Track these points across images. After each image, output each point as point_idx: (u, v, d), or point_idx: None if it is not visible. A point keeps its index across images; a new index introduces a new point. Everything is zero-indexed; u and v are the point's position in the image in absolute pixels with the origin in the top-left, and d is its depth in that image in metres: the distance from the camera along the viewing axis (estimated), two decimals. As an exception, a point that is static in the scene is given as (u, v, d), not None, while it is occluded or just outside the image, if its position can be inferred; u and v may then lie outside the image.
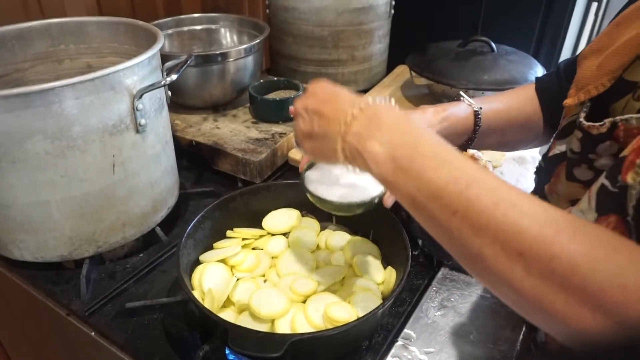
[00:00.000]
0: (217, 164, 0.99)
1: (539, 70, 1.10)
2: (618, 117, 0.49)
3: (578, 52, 1.95)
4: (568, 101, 0.57)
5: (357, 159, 0.46)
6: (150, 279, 0.77)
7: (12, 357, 1.13)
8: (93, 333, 0.69)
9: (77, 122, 0.65)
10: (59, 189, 0.68)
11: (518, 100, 0.75)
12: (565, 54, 1.72)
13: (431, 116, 0.70)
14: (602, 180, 0.46)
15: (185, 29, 1.15)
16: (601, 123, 0.50)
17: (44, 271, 0.77)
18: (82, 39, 0.88)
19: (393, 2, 1.26)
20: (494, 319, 0.68)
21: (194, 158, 1.02)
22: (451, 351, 0.64)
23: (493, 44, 1.12)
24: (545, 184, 0.61)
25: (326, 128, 0.49)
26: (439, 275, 0.76)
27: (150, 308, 0.70)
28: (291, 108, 0.58)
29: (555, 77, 0.71)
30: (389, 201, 0.69)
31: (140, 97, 0.70)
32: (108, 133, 0.69)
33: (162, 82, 0.71)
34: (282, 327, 0.59)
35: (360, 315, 0.59)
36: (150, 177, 0.78)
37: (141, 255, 0.81)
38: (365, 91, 1.29)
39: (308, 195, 0.63)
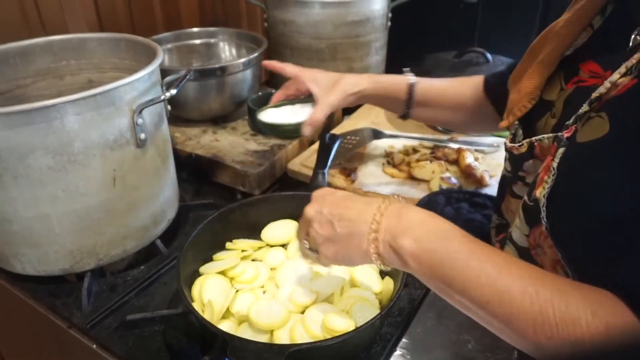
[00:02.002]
0: (216, 176, 1.00)
1: (534, 80, 1.11)
2: (533, 138, 0.54)
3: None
4: (502, 124, 0.62)
5: (391, 255, 0.48)
6: (151, 291, 0.77)
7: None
8: (94, 346, 0.70)
9: (78, 137, 0.66)
10: (60, 203, 0.69)
11: (459, 84, 0.86)
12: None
13: (365, 77, 0.85)
14: (525, 197, 0.51)
15: (185, 43, 1.17)
16: (520, 144, 0.55)
17: (45, 284, 0.78)
18: (83, 55, 0.90)
19: (390, 15, 1.28)
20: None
21: (193, 170, 1.03)
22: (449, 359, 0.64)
23: (488, 55, 1.14)
24: (501, 202, 0.65)
25: (352, 229, 0.50)
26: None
27: (151, 320, 0.70)
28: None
29: (505, 76, 0.72)
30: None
31: (140, 112, 0.71)
32: (109, 148, 0.70)
33: (162, 97, 0.72)
34: (281, 338, 0.60)
35: (359, 325, 0.59)
36: (150, 190, 0.79)
37: (142, 267, 0.82)
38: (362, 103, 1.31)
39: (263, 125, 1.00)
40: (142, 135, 0.73)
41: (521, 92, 0.58)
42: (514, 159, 0.58)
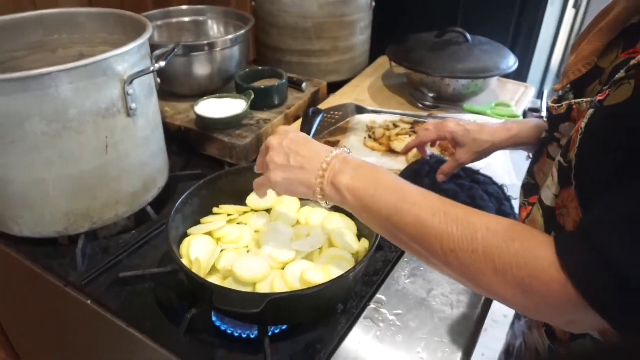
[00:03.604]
0: (204, 149, 1.04)
1: (511, 60, 1.16)
2: (572, 100, 0.55)
3: (557, 43, 2.00)
4: (556, 87, 0.63)
5: (332, 191, 0.57)
6: (142, 252, 0.82)
7: (9, 333, 1.18)
8: (89, 301, 0.74)
9: (72, 105, 0.70)
10: (55, 167, 0.73)
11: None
12: (543, 45, 1.79)
13: (501, 131, 0.79)
14: (558, 157, 0.53)
15: (174, 20, 1.20)
16: (559, 105, 0.57)
17: (41, 247, 0.82)
18: (74, 29, 0.93)
19: (374, -5, 1.32)
20: (458, 286, 0.75)
21: (182, 143, 1.07)
22: (417, 312, 0.70)
23: (468, 35, 1.18)
24: (535, 164, 0.67)
25: (304, 164, 0.58)
26: (411, 247, 0.82)
27: (142, 278, 0.75)
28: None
29: None
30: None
31: (131, 82, 0.75)
32: (101, 116, 0.74)
33: (151, 68, 0.76)
34: (262, 290, 0.65)
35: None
36: (140, 158, 0.83)
37: (133, 232, 0.86)
38: (347, 80, 1.35)
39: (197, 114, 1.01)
40: (133, 105, 0.77)
41: (578, 56, 0.59)
42: (551, 119, 0.60)
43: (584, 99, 0.54)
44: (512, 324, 0.79)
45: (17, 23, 0.87)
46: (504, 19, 1.49)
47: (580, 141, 0.46)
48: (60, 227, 0.79)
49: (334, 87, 1.30)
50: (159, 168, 0.90)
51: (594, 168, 0.45)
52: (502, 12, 1.49)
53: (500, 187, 0.86)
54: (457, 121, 0.82)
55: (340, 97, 1.24)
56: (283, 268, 0.69)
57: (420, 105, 1.19)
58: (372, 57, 1.46)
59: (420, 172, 0.87)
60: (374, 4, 1.34)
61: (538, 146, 0.67)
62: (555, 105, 0.58)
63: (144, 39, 0.78)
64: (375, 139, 1.04)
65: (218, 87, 1.15)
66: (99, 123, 0.74)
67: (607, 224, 0.40)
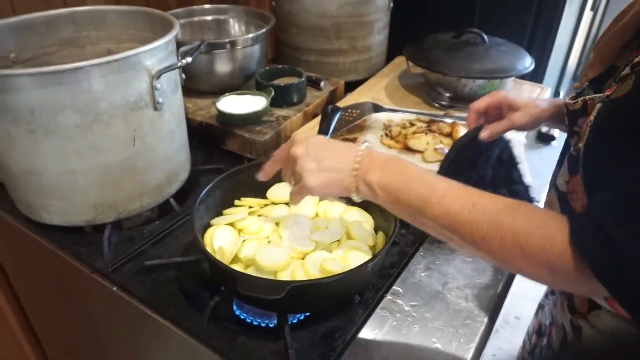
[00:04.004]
0: (225, 144, 1.07)
1: (528, 61, 1.17)
2: (587, 97, 0.59)
3: (574, 45, 2.00)
4: (576, 85, 0.66)
5: (364, 188, 0.60)
6: (166, 243, 0.85)
7: (33, 320, 1.22)
8: (115, 288, 0.77)
9: (103, 98, 0.73)
10: (86, 158, 0.76)
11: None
12: (560, 47, 1.79)
13: (549, 101, 0.77)
14: (571, 148, 0.57)
15: (196, 19, 1.23)
16: (575, 101, 0.62)
17: (69, 235, 0.85)
18: (102, 26, 0.96)
19: (392, -4, 1.34)
20: (473, 279, 0.76)
21: (204, 139, 1.10)
22: (433, 304, 0.72)
23: (485, 36, 1.19)
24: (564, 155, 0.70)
25: (337, 165, 0.61)
26: (426, 242, 0.84)
27: (167, 266, 0.78)
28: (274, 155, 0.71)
29: None
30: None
31: (159, 77, 0.78)
32: (130, 109, 0.77)
33: (178, 64, 0.79)
34: (284, 278, 0.67)
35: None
36: (165, 151, 0.86)
37: (157, 222, 0.89)
38: (364, 80, 1.37)
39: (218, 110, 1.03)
40: (160, 99, 0.80)
41: (597, 56, 0.62)
42: (570, 114, 0.64)
43: (597, 95, 0.57)
44: (543, 305, 0.81)
45: (50, 20, 0.91)
46: (520, 20, 1.50)
47: (589, 132, 0.50)
48: (89, 217, 0.82)
49: (351, 86, 1.32)
50: (182, 162, 0.93)
51: (597, 156, 0.49)
52: (519, 13, 1.50)
53: (526, 188, 0.84)
54: None
55: (357, 96, 1.26)
56: (303, 258, 0.71)
57: (436, 105, 1.20)
58: (389, 58, 1.48)
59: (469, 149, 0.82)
60: (392, 4, 1.36)
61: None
62: (572, 101, 0.62)
63: (171, 35, 0.81)
64: (392, 137, 1.06)
65: (239, 84, 1.18)
66: (128, 116, 0.77)
67: (607, 207, 0.44)
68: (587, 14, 2.16)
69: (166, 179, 0.88)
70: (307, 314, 0.71)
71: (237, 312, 0.73)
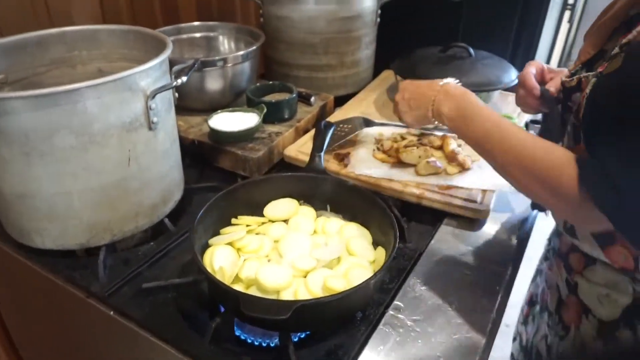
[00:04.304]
0: (218, 162, 1.06)
1: (513, 74, 1.20)
2: (581, 74, 0.67)
3: (552, 56, 2.06)
4: (571, 67, 0.74)
5: (438, 118, 0.81)
6: (162, 264, 0.84)
7: (22, 349, 1.18)
8: (112, 312, 0.76)
9: (98, 119, 0.72)
10: (81, 180, 0.75)
11: None
12: (540, 58, 1.83)
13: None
14: (572, 119, 0.67)
15: (185, 36, 1.23)
16: (571, 79, 0.69)
17: (62, 259, 0.84)
18: (94, 45, 0.95)
19: (379, 11, 1.36)
20: (473, 291, 0.77)
21: (195, 157, 1.09)
22: (435, 318, 0.72)
23: (471, 50, 1.22)
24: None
25: (419, 105, 0.85)
26: (424, 255, 0.84)
27: (164, 288, 0.77)
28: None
29: None
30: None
31: (154, 97, 0.78)
32: (125, 129, 0.76)
33: (174, 84, 0.79)
34: (287, 298, 0.67)
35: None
36: (160, 171, 0.85)
37: (151, 243, 0.88)
38: (353, 94, 1.38)
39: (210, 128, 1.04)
40: (155, 119, 0.80)
41: (588, 42, 0.71)
42: (565, 91, 0.71)
43: (590, 73, 0.64)
44: (534, 278, 0.96)
45: (41, 40, 0.90)
46: (504, 33, 1.54)
47: (586, 104, 0.59)
48: (83, 240, 0.81)
49: (340, 101, 1.33)
50: (177, 181, 0.92)
51: (595, 120, 0.58)
52: (502, 26, 1.53)
53: None
54: None
55: (347, 110, 1.27)
56: (305, 276, 0.71)
57: (426, 118, 1.22)
58: (376, 72, 1.50)
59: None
60: (378, 20, 1.38)
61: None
62: (568, 79, 0.70)
63: (166, 55, 0.81)
64: (384, 151, 1.07)
65: (229, 101, 1.18)
66: (123, 137, 0.76)
67: (608, 154, 0.56)
68: (564, 26, 2.23)
69: (161, 198, 0.87)
70: (308, 332, 0.71)
71: (238, 333, 0.73)
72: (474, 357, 0.67)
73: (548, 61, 2.06)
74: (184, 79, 0.80)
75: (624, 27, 0.65)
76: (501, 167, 0.68)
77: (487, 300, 0.76)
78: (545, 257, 0.90)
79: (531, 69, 0.85)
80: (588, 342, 0.74)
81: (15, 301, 1.03)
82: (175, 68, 0.88)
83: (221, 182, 1.04)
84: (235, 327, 0.73)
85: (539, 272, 0.94)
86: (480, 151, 0.72)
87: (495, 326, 0.72)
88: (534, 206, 0.93)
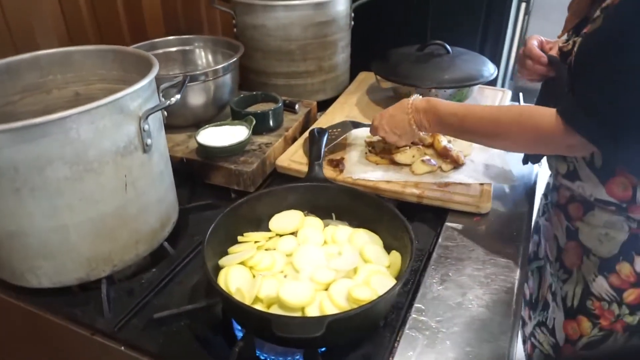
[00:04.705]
0: (209, 178, 1.03)
1: (491, 67, 1.22)
2: (574, 38, 0.78)
3: (514, 45, 2.12)
4: (559, 35, 0.86)
5: (425, 129, 0.92)
6: (169, 290, 0.80)
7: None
8: (122, 347, 0.72)
9: (92, 146, 0.68)
10: (77, 212, 0.71)
11: None
12: (506, 50, 1.88)
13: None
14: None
15: (160, 51, 1.18)
16: (567, 43, 0.80)
17: (58, 297, 0.78)
18: (69, 68, 0.90)
19: (352, 14, 1.35)
20: (490, 287, 0.77)
21: (184, 175, 1.05)
22: (458, 316, 0.72)
23: (448, 47, 1.24)
24: None
25: (404, 129, 0.95)
26: (434, 255, 0.84)
27: (177, 316, 0.73)
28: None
29: None
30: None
31: (147, 118, 0.74)
32: (120, 154, 0.72)
33: (167, 103, 0.76)
34: (312, 313, 0.65)
35: (379, 293, 0.66)
36: (157, 194, 0.82)
37: (153, 270, 0.84)
38: (333, 99, 1.38)
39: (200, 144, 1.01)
40: (149, 141, 0.76)
41: (575, 11, 0.81)
42: (562, 54, 0.81)
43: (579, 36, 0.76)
44: (532, 236, 1.04)
45: (11, 66, 0.84)
46: (471, 27, 1.57)
47: (574, 58, 0.72)
48: (82, 274, 0.76)
49: (320, 106, 1.32)
50: (172, 203, 0.89)
51: (581, 69, 0.71)
52: (468, 23, 1.57)
53: None
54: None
55: (331, 115, 1.26)
56: (326, 289, 0.69)
57: (410, 117, 1.22)
58: (352, 75, 1.50)
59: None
60: (352, 23, 1.38)
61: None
62: (565, 44, 0.81)
63: (154, 73, 0.77)
64: (376, 153, 1.06)
65: (212, 115, 1.14)
66: (118, 162, 0.72)
67: (587, 87, 0.69)
68: (521, 18, 2.31)
69: (159, 222, 0.83)
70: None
71: (258, 353, 0.70)
72: (504, 347, 0.67)
73: (510, 52, 2.12)
74: (178, 96, 0.76)
75: None
76: (491, 136, 0.81)
77: (505, 293, 0.76)
78: (543, 212, 1.02)
79: (533, 42, 0.91)
80: (589, 280, 0.85)
81: (8, 347, 0.96)
82: (163, 86, 0.84)
83: (215, 199, 1.01)
84: (259, 353, 0.70)
85: (536, 228, 1.05)
86: (469, 136, 0.86)
87: (516, 318, 0.73)
88: (526, 160, 0.99)
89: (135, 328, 0.73)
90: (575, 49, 0.73)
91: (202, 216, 0.98)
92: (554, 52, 0.88)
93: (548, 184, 1.02)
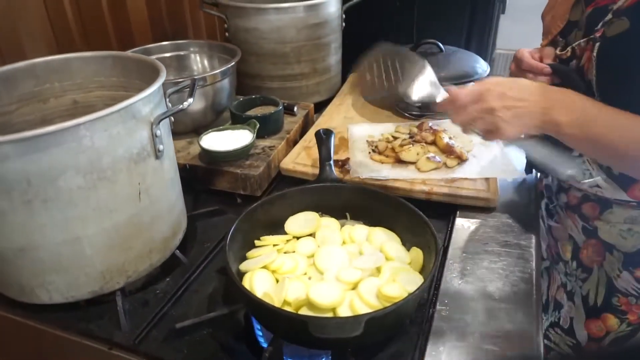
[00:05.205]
0: (214, 184, 1.01)
1: (484, 64, 1.25)
2: (574, 44, 0.78)
3: (489, 44, 2.15)
4: (542, 43, 0.86)
5: (552, 127, 0.70)
6: (186, 300, 0.78)
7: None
8: (143, 361, 0.69)
9: (106, 153, 0.66)
10: (91, 223, 0.68)
11: None
12: (491, 47, 1.92)
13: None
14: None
15: (155, 57, 1.15)
16: (566, 51, 0.80)
17: (68, 312, 0.75)
18: (66, 76, 0.87)
19: (344, 16, 1.36)
20: (507, 278, 0.78)
21: (185, 182, 1.02)
22: (482, 308, 0.72)
23: (441, 45, 1.25)
24: None
25: (522, 114, 0.71)
26: (450, 250, 0.85)
27: (200, 325, 0.71)
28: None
29: None
30: None
31: (158, 123, 0.72)
32: (133, 161, 0.70)
33: (180, 106, 0.74)
34: (344, 313, 0.64)
35: (410, 290, 0.65)
36: (169, 201, 0.80)
37: (167, 280, 0.82)
38: (327, 100, 1.37)
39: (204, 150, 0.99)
40: (160, 147, 0.74)
41: (555, 17, 0.82)
42: (562, 61, 0.80)
43: (580, 41, 0.76)
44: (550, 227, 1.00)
45: (7, 75, 0.81)
46: (456, 25, 1.59)
47: (597, 64, 0.71)
48: (96, 287, 0.73)
49: (315, 108, 1.32)
50: (182, 209, 0.87)
51: (612, 76, 0.70)
52: (454, 20, 1.59)
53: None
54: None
55: (329, 117, 1.26)
56: (354, 289, 0.68)
57: (407, 115, 1.23)
58: (343, 76, 1.50)
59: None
60: (343, 24, 1.38)
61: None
62: (562, 52, 0.80)
63: (162, 78, 0.75)
64: (380, 153, 1.07)
65: (211, 120, 1.13)
66: (132, 169, 0.70)
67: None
68: (495, 17, 2.37)
69: (171, 230, 0.81)
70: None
71: (285, 357, 0.69)
72: (531, 332, 0.68)
73: (492, 51, 2.16)
74: (191, 100, 0.75)
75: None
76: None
77: (524, 282, 0.77)
78: (550, 215, 0.99)
79: (526, 54, 0.86)
80: (613, 277, 0.85)
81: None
82: (170, 90, 0.83)
83: (221, 205, 0.99)
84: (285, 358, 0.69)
85: (537, 232, 0.97)
86: (601, 149, 0.70)
87: (538, 306, 0.74)
88: (529, 169, 0.99)
89: (156, 340, 0.71)
90: (593, 54, 0.71)
91: (209, 223, 0.96)
92: (549, 61, 0.84)
93: (548, 186, 1.00)
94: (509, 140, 0.74)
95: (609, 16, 0.70)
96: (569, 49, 0.79)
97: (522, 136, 0.73)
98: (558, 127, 0.69)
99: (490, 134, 0.73)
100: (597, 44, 0.71)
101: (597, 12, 0.74)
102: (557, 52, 0.82)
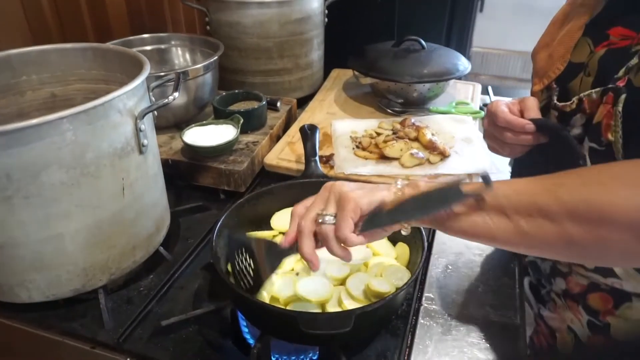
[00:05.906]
0: (197, 180, 1.00)
1: (465, 62, 1.26)
2: (582, 95, 0.61)
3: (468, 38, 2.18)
4: (535, 88, 0.70)
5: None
6: (170, 296, 0.77)
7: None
8: (128, 359, 0.68)
9: (89, 148, 0.64)
10: (74, 219, 0.67)
11: None
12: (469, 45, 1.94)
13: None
14: (588, 144, 0.59)
15: (135, 50, 1.13)
16: (570, 102, 0.63)
17: (48, 311, 0.74)
18: (44, 68, 0.85)
19: (326, 11, 1.36)
20: (492, 272, 0.80)
21: (167, 178, 1.01)
22: (468, 302, 0.74)
23: (423, 42, 1.26)
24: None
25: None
26: (435, 245, 0.86)
27: (185, 322, 0.71)
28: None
29: None
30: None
31: (142, 117, 0.71)
32: (117, 156, 0.69)
33: (165, 101, 0.72)
34: (332, 309, 0.64)
35: (398, 285, 0.66)
36: (152, 197, 0.78)
37: (151, 277, 0.80)
38: (309, 96, 1.37)
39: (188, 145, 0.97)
40: (145, 142, 0.73)
41: (553, 56, 0.67)
42: (563, 115, 0.64)
43: (592, 90, 0.60)
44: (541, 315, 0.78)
45: (-19, 67, 0.78)
46: (437, 22, 1.61)
47: (623, 121, 0.55)
48: (78, 285, 0.72)
49: (297, 104, 1.31)
50: (166, 206, 0.85)
51: None
52: (434, 18, 1.61)
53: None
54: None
55: (311, 112, 1.26)
56: (342, 284, 0.68)
57: (390, 111, 1.24)
58: (325, 72, 1.49)
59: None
60: (326, 20, 1.38)
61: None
62: (565, 103, 0.64)
63: (147, 71, 0.74)
64: (364, 148, 1.07)
65: (193, 115, 1.11)
66: (116, 164, 0.69)
67: None
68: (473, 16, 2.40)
69: (155, 227, 0.80)
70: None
71: (272, 353, 0.69)
72: (516, 332, 0.69)
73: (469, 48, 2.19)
74: (176, 94, 0.73)
75: (586, 36, 0.65)
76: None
77: (507, 276, 0.79)
78: (541, 300, 0.77)
79: (503, 109, 0.69)
80: None
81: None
82: (153, 84, 0.81)
83: (204, 201, 0.98)
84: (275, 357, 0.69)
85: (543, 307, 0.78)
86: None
87: (521, 300, 0.75)
88: (516, 171, 0.81)
89: (141, 338, 0.70)
90: (618, 108, 0.55)
91: (193, 219, 0.94)
92: (532, 114, 0.66)
93: (535, 263, 0.79)
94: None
95: (635, 60, 0.54)
96: (574, 99, 0.62)
97: None
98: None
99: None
100: (623, 96, 0.55)
101: (614, 55, 0.59)
102: (556, 102, 0.66)
